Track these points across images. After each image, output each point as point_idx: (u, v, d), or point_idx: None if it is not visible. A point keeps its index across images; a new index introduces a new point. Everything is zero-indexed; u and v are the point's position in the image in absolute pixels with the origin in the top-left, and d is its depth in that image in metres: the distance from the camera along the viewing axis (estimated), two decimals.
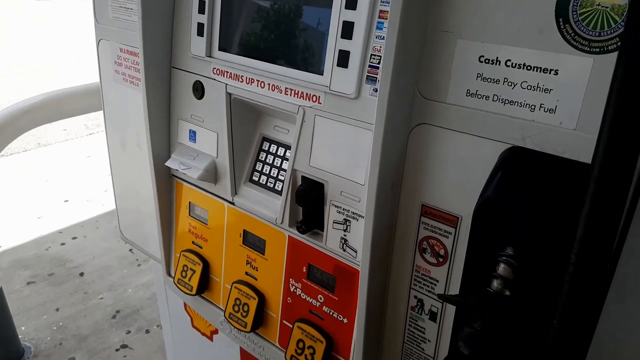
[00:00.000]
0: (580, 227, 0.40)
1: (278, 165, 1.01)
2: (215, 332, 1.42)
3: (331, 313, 0.95)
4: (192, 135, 1.11)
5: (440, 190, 0.75)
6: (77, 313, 2.74)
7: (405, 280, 0.84)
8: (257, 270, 1.07)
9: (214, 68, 1.01)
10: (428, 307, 0.84)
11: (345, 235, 0.89)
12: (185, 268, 1.19)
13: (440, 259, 0.79)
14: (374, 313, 0.87)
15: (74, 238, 3.44)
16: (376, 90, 0.75)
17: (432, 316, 0.83)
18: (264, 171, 1.04)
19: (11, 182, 4.17)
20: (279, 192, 1.00)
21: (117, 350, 2.49)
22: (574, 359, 0.46)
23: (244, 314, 1.08)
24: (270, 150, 1.03)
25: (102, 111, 1.33)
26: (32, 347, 2.50)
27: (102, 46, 1.24)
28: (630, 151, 0.38)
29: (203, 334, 1.47)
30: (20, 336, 2.48)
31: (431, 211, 0.77)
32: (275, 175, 1.02)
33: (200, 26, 1.01)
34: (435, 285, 0.81)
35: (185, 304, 1.47)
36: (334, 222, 0.89)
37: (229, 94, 1.00)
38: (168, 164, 1.13)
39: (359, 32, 0.77)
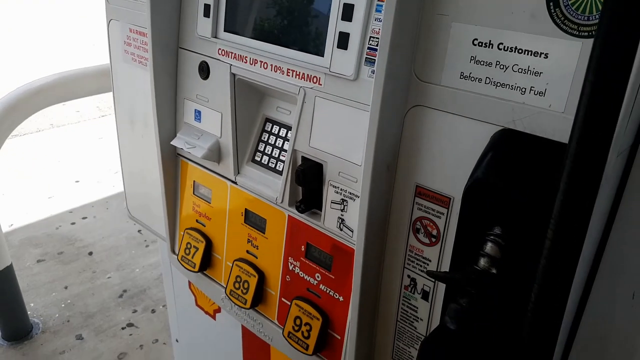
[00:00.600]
0: (556, 203, 0.42)
1: (280, 145, 1.03)
2: (218, 310, 1.45)
3: (328, 291, 0.98)
4: (197, 115, 1.13)
5: (433, 171, 0.76)
6: (85, 291, 2.81)
7: (399, 259, 0.87)
8: (257, 249, 1.10)
9: (219, 49, 1.03)
10: (421, 286, 0.86)
11: (342, 215, 0.91)
12: (188, 245, 1.22)
13: (433, 239, 0.81)
14: (368, 292, 0.89)
15: (84, 218, 3.51)
16: (374, 72, 0.77)
17: (425, 295, 0.86)
18: (265, 151, 1.06)
19: (24, 161, 4.24)
20: (280, 172, 1.02)
21: (123, 328, 2.55)
22: (550, 332, 0.48)
23: (244, 291, 1.11)
24: (273, 131, 1.05)
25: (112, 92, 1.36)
26: (41, 323, 2.57)
27: (112, 26, 1.27)
28: (603, 132, 0.39)
29: (206, 312, 1.51)
30: (29, 312, 2.55)
31: (425, 192, 0.79)
32: (276, 156, 1.04)
33: (206, 7, 1.03)
34: (427, 264, 0.83)
35: (189, 283, 1.50)
36: (331, 202, 0.92)
37: (233, 75, 1.02)
38: (174, 142, 1.16)
39: (358, 14, 0.78)
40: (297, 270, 1.02)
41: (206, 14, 1.03)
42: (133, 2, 1.17)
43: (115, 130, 1.42)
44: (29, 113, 2.20)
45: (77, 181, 4.02)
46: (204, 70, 1.07)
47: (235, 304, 1.13)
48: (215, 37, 1.03)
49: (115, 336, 2.49)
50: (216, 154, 1.11)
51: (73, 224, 3.44)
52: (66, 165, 4.30)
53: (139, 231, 3.33)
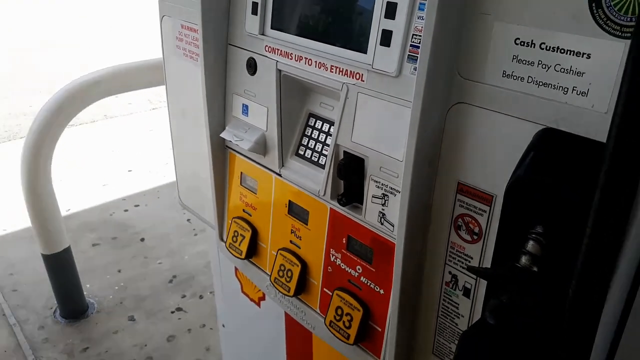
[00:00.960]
0: (594, 201, 0.42)
1: (323, 140, 1.06)
2: (263, 298, 1.50)
3: (368, 284, 1.00)
4: (245, 109, 1.17)
5: (475, 168, 0.77)
6: (138, 275, 2.96)
7: (441, 255, 0.87)
8: (300, 239, 1.13)
9: (266, 45, 1.06)
10: (462, 283, 0.86)
11: (383, 209, 0.93)
12: (236, 234, 1.27)
13: (475, 237, 0.81)
14: (408, 286, 0.90)
15: (137, 206, 3.68)
16: (416, 69, 0.78)
17: (466, 292, 0.86)
18: (309, 145, 1.09)
19: (80, 150, 4.47)
20: (323, 166, 1.05)
21: (172, 312, 2.67)
22: (587, 329, 0.49)
23: (288, 279, 1.15)
24: (316, 125, 1.08)
25: (163, 86, 1.42)
26: (96, 304, 2.73)
27: (165, 22, 1.32)
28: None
29: (251, 299, 1.56)
30: (85, 293, 2.72)
31: (467, 189, 0.79)
32: (319, 150, 1.07)
33: (254, 5, 1.06)
34: (469, 262, 0.84)
35: (235, 271, 1.56)
36: (372, 197, 0.94)
37: (279, 71, 1.05)
38: (222, 135, 1.21)
39: (401, 12, 0.79)
40: (338, 261, 1.05)
41: (254, 11, 1.06)
42: None
43: (165, 123, 1.49)
44: (86, 104, 2.33)
45: (129, 170, 4.21)
46: (252, 66, 1.11)
47: (280, 291, 1.17)
48: (263, 35, 1.06)
49: (165, 319, 2.62)
50: (262, 147, 1.15)
51: (126, 211, 3.61)
52: (119, 155, 4.51)
53: (187, 220, 3.45)
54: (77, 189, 3.86)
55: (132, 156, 4.46)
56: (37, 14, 10.47)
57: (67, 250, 2.50)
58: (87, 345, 2.44)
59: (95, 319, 2.62)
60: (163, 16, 1.32)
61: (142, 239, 3.30)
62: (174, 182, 1.60)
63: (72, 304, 2.63)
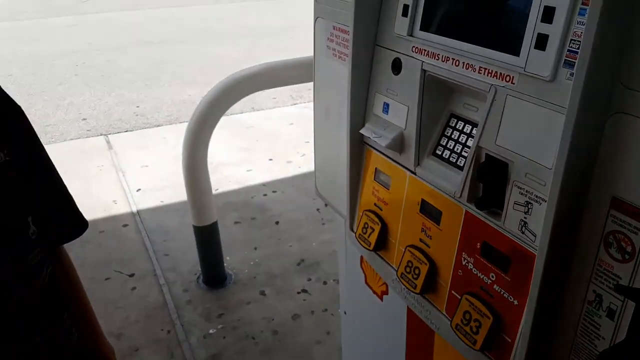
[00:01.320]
0: None
1: (463, 141, 1.05)
2: (386, 292, 1.53)
3: (502, 292, 0.97)
4: (386, 107, 1.21)
5: (635, 184, 0.71)
6: (271, 254, 3.19)
7: (586, 273, 0.82)
8: (430, 239, 1.14)
9: (413, 46, 1.08)
10: (607, 303, 0.80)
11: (525, 217, 0.89)
12: (366, 226, 1.32)
13: (627, 256, 0.75)
14: (546, 301, 0.86)
15: (274, 192, 3.95)
16: (573, 75, 0.74)
17: (610, 313, 0.80)
18: (447, 146, 1.09)
19: (230, 137, 4.92)
20: (460, 168, 1.04)
21: (298, 292, 2.84)
22: None
23: (415, 276, 1.16)
24: (457, 126, 1.07)
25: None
26: (233, 275, 3.00)
27: (318, 23, 1.41)
28: None
29: (374, 292, 1.60)
30: (225, 265, 3.01)
31: (623, 205, 0.73)
32: (458, 151, 1.06)
33: (405, 7, 1.08)
34: (617, 282, 0.78)
35: (361, 261, 1.62)
36: (515, 203, 0.91)
37: (424, 71, 1.07)
38: (362, 131, 1.26)
39: (559, 16, 0.75)
40: (470, 266, 1.04)
41: (404, 13, 1.08)
42: (339, 1, 1.29)
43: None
44: (241, 96, 2.57)
45: (270, 159, 4.52)
46: (397, 67, 1.13)
47: (405, 287, 1.19)
48: (411, 36, 1.08)
49: (291, 298, 2.79)
50: (399, 144, 1.18)
51: (265, 195, 3.90)
52: (263, 144, 4.87)
53: (317, 209, 3.62)
54: (225, 172, 4.26)
55: (273, 146, 4.79)
56: (196, 7, 11.70)
57: (214, 225, 2.79)
58: (223, 312, 2.71)
59: (231, 289, 2.89)
60: (317, 17, 1.41)
61: (277, 222, 3.54)
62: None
63: (213, 272, 2.93)
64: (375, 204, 1.33)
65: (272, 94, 6.29)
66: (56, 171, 0.96)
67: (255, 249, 3.25)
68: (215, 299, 2.81)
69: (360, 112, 1.28)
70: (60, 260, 0.97)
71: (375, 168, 1.31)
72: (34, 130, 0.91)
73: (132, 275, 3.02)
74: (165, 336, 2.55)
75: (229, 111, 2.64)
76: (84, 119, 5.67)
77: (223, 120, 2.57)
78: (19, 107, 0.88)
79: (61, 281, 0.94)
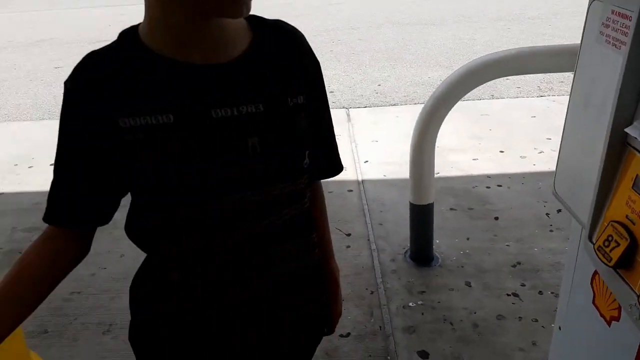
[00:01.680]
0: None
1: None
2: (616, 318, 1.35)
3: None
4: None
5: None
6: (483, 249, 3.08)
7: None
8: None
9: None
10: None
11: None
12: (609, 238, 1.17)
13: None
14: None
15: (499, 185, 3.76)
16: None
17: None
18: None
19: (462, 122, 4.82)
20: None
21: (508, 295, 2.68)
22: None
23: None
24: None
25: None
26: (440, 259, 3.00)
27: (593, 7, 1.27)
28: None
29: (601, 315, 1.42)
30: (434, 247, 3.03)
31: None
32: None
33: None
34: None
35: (592, 278, 1.45)
36: None
37: None
38: (627, 130, 1.11)
39: None
40: None
41: None
42: None
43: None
44: (483, 81, 2.50)
45: (501, 151, 4.30)
46: None
47: None
48: None
49: (498, 298, 2.66)
50: None
51: (488, 187, 3.75)
52: (496, 134, 4.65)
53: (547, 214, 3.32)
54: (450, 157, 4.23)
55: (507, 138, 4.53)
56: None
57: (430, 206, 2.83)
58: (424, 290, 2.75)
59: (436, 271, 2.91)
60: (593, 1, 1.27)
61: (496, 218, 3.38)
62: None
63: (421, 251, 3.00)
64: (627, 216, 1.16)
65: (516, 83, 5.90)
66: (332, 121, 1.16)
67: (468, 239, 3.18)
68: (419, 276, 2.87)
69: (628, 109, 1.12)
70: (315, 191, 1.18)
71: (636, 175, 1.14)
72: (324, 82, 1.10)
73: (349, 234, 3.30)
74: (368, 295, 2.73)
75: (465, 96, 2.60)
76: (332, 92, 6.27)
77: (458, 104, 2.55)
78: (318, 62, 1.07)
79: (314, 208, 1.15)
